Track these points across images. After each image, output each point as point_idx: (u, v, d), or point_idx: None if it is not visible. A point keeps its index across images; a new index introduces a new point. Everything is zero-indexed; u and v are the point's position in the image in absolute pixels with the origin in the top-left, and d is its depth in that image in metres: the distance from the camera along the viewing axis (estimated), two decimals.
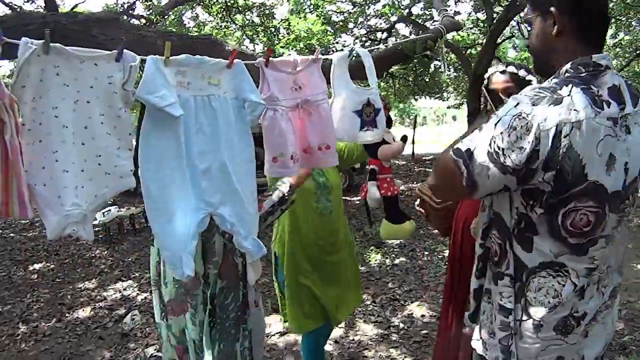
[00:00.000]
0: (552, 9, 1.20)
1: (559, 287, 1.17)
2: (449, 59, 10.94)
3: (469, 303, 1.46)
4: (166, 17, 6.86)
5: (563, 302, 1.18)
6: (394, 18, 9.89)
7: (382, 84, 12.10)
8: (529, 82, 1.90)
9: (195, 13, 8.46)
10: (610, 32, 9.44)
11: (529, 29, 1.32)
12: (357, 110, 1.63)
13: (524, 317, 1.21)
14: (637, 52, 7.75)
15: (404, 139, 2.06)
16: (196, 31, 8.06)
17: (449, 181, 1.21)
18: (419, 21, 9.61)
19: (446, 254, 5.39)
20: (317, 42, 9.30)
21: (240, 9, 8.01)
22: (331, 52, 10.72)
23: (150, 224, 1.26)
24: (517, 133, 1.07)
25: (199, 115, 1.32)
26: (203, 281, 1.69)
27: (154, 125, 1.25)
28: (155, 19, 6.30)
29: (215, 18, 8.18)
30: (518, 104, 1.10)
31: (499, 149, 1.09)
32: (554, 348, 1.21)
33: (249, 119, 1.43)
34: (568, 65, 1.17)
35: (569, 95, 1.08)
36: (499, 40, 7.71)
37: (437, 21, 2.77)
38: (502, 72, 1.93)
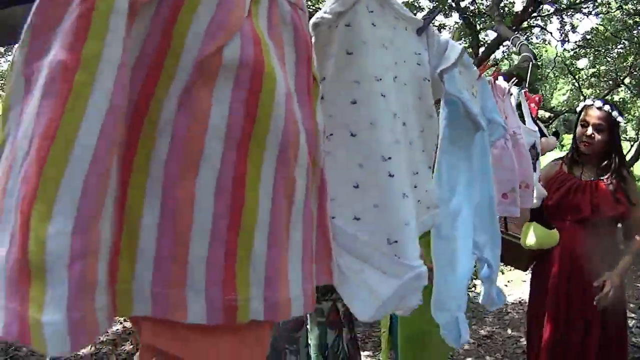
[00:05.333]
0: None
1: None
2: None
3: None
4: None
5: None
6: None
7: None
8: (618, 124, 2.01)
9: None
10: (586, 63, 9.24)
11: None
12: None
13: None
14: (616, 82, 8.08)
15: (556, 134, 2.16)
16: None
17: None
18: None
19: None
20: None
21: None
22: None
23: (434, 273, 0.93)
24: None
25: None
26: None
27: (452, 138, 0.96)
28: None
29: None
30: None
31: None
32: None
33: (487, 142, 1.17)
34: None
35: None
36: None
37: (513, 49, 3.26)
38: (599, 108, 1.98)
